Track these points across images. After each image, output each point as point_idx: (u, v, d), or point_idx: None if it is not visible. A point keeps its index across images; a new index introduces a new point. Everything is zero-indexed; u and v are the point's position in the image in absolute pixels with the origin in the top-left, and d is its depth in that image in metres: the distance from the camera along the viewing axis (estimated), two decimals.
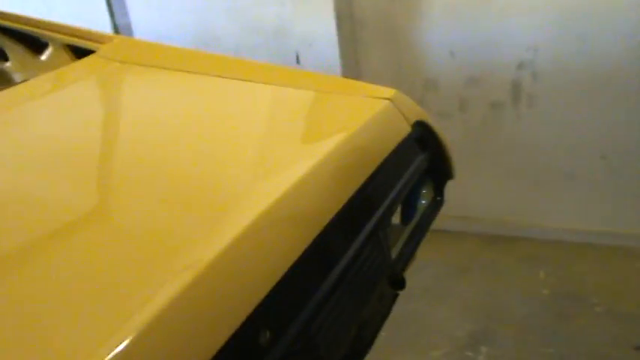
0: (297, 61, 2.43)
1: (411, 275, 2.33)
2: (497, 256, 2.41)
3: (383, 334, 2.02)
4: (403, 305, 2.22)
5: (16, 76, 1.55)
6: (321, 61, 2.42)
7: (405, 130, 1.19)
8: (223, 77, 1.28)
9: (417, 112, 1.26)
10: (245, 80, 1.26)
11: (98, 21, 2.91)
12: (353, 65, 2.48)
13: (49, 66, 1.48)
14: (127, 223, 0.75)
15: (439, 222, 2.58)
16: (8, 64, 1.56)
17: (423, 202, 1.34)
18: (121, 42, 1.41)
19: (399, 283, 1.38)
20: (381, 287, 1.13)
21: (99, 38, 1.42)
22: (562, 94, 2.25)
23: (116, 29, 2.90)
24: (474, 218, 2.59)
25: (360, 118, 1.12)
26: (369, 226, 1.00)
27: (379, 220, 1.03)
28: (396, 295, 1.41)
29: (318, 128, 1.12)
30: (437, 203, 1.32)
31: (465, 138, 2.48)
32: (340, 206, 0.90)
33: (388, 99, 1.19)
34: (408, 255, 1.23)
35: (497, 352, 1.92)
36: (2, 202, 0.80)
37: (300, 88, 1.24)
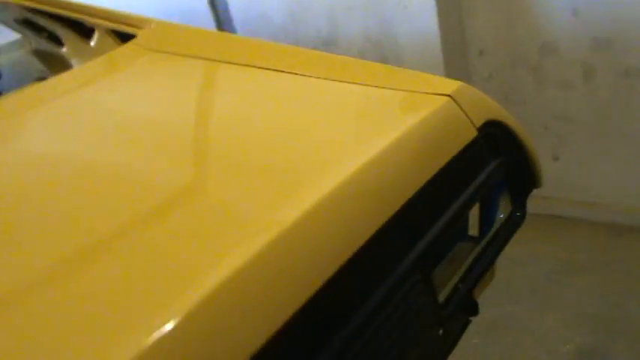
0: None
1: (516, 272, 2.06)
2: (624, 253, 2.04)
3: (475, 341, 1.80)
4: (503, 307, 1.96)
5: (73, 62, 1.50)
6: (416, 26, 2.15)
7: (469, 133, 0.95)
8: (265, 68, 1.10)
9: (489, 109, 1.00)
10: (292, 73, 1.07)
11: None
12: (455, 30, 2.17)
13: (97, 51, 1.40)
14: (219, 193, 0.79)
15: (557, 207, 2.26)
16: (64, 49, 1.52)
17: (502, 215, 1.09)
18: (158, 27, 1.27)
19: (471, 308, 1.16)
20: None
21: (138, 23, 1.30)
22: None
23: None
24: (599, 205, 2.22)
25: (407, 122, 0.90)
26: (413, 252, 0.81)
27: (427, 246, 0.83)
28: (468, 322, 1.19)
29: (350, 138, 0.91)
30: (516, 219, 1.06)
31: (590, 112, 2.10)
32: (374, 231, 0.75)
33: (448, 96, 0.95)
34: (475, 276, 1.00)
35: None
36: (105, 176, 0.85)
37: (347, 82, 1.03)
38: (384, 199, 0.80)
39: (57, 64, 1.55)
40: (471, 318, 1.19)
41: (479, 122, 0.97)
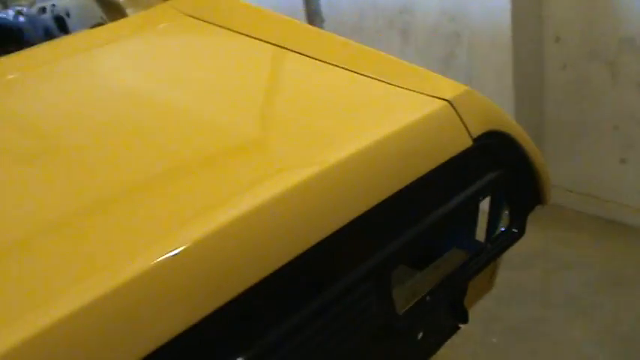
0: None
1: (557, 275, 1.96)
2: None
3: (493, 340, 1.75)
4: (532, 310, 1.89)
5: (128, 11, 1.54)
6: (489, 9, 2.04)
7: (463, 142, 0.91)
8: (287, 48, 1.09)
9: (492, 119, 0.95)
10: (313, 58, 1.05)
11: None
12: (530, 18, 2.04)
13: (150, 3, 1.42)
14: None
15: (617, 212, 2.13)
16: None
17: (503, 229, 1.04)
18: None
19: (461, 316, 1.14)
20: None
21: None
22: None
23: None
24: None
25: (395, 122, 0.88)
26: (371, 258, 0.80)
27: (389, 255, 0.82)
28: (456, 328, 1.17)
29: (342, 128, 0.90)
30: (511, 235, 1.01)
31: None
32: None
33: (446, 100, 0.91)
34: (450, 288, 0.97)
35: None
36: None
37: (352, 70, 1.01)
38: (352, 198, 0.79)
39: (114, 12, 1.60)
40: (460, 325, 1.16)
41: (477, 132, 0.92)
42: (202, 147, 0.86)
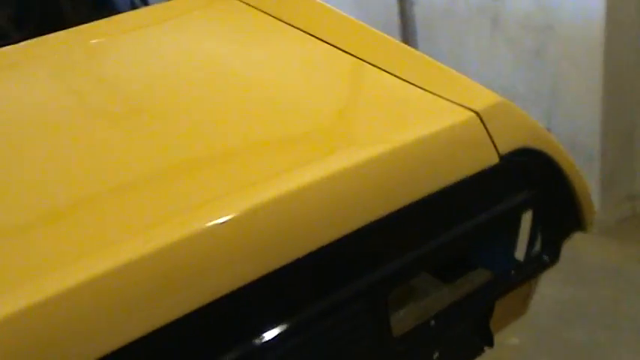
0: None
1: (626, 301, 1.80)
2: None
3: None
4: (598, 334, 1.74)
5: None
6: (582, 4, 1.89)
7: (488, 158, 0.84)
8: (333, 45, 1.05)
9: (527, 135, 0.87)
10: (353, 55, 1.01)
11: None
12: (625, 18, 1.87)
13: None
14: None
15: None
16: None
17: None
18: None
19: (486, 338, 1.08)
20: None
21: None
22: None
23: None
24: None
25: (413, 130, 0.83)
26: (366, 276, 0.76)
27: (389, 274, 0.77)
28: (480, 350, 1.11)
29: (348, 130, 0.86)
30: (542, 261, 0.93)
31: None
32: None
33: (475, 112, 0.84)
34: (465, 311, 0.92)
35: None
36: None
37: (384, 70, 0.95)
38: (354, 209, 0.75)
39: None
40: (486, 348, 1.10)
41: (507, 148, 0.85)
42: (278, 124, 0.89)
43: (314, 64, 1.02)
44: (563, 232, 0.93)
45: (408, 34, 2.89)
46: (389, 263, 0.77)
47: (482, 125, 0.84)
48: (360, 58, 0.99)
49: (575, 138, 2.09)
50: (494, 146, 0.84)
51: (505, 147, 0.84)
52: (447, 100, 0.87)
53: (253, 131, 0.87)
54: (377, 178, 0.77)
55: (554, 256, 0.93)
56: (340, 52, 1.01)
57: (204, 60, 1.07)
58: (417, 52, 1.00)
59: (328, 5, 1.14)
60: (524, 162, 0.86)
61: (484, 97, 0.87)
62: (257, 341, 0.68)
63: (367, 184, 0.76)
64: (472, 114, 0.84)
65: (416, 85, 0.91)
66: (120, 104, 0.98)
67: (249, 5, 1.18)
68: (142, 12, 1.28)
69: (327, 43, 1.04)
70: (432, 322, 0.84)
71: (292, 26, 1.11)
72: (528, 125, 0.88)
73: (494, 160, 0.84)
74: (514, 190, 0.88)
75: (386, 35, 1.06)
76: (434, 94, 0.89)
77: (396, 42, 1.04)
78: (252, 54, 1.07)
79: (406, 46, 1.03)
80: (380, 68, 0.96)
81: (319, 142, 0.84)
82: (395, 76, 0.94)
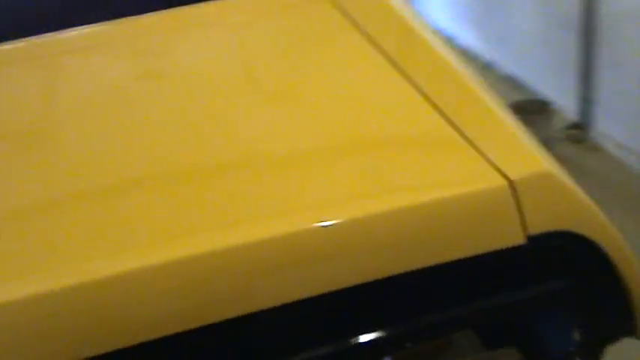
0: None
1: None
2: None
3: None
4: None
5: None
6: None
7: (511, 237, 0.73)
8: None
9: (567, 217, 0.74)
10: (411, 81, 0.93)
11: None
12: None
13: None
14: None
15: None
16: None
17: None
18: None
19: None
20: None
21: None
22: None
23: None
24: None
25: (433, 189, 0.75)
26: None
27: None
28: None
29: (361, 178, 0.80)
30: None
31: None
32: None
33: (509, 180, 0.73)
34: None
35: None
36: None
37: (432, 101, 0.86)
38: (343, 267, 0.71)
39: None
40: None
41: (540, 228, 0.73)
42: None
43: (365, 84, 0.95)
44: (607, 335, 0.78)
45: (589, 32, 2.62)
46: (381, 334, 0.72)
47: (512, 197, 0.72)
48: (419, 89, 0.90)
49: None
50: (524, 224, 0.72)
51: (538, 226, 0.72)
52: (486, 159, 0.76)
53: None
54: (372, 239, 0.71)
55: None
56: (396, 73, 0.93)
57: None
58: (484, 94, 0.88)
59: (417, 28, 1.06)
60: (559, 246, 0.73)
61: (529, 164, 0.75)
62: None
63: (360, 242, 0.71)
64: (503, 182, 0.72)
65: (460, 133, 0.81)
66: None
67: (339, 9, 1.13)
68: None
69: (391, 61, 0.96)
70: None
71: (369, 40, 1.04)
72: (575, 204, 0.74)
73: (519, 239, 0.72)
74: (548, 273, 0.75)
75: (465, 73, 0.95)
76: (476, 148, 0.78)
77: (470, 78, 0.93)
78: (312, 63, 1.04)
79: (478, 82, 0.92)
80: (433, 104, 0.87)
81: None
82: (444, 115, 0.84)
